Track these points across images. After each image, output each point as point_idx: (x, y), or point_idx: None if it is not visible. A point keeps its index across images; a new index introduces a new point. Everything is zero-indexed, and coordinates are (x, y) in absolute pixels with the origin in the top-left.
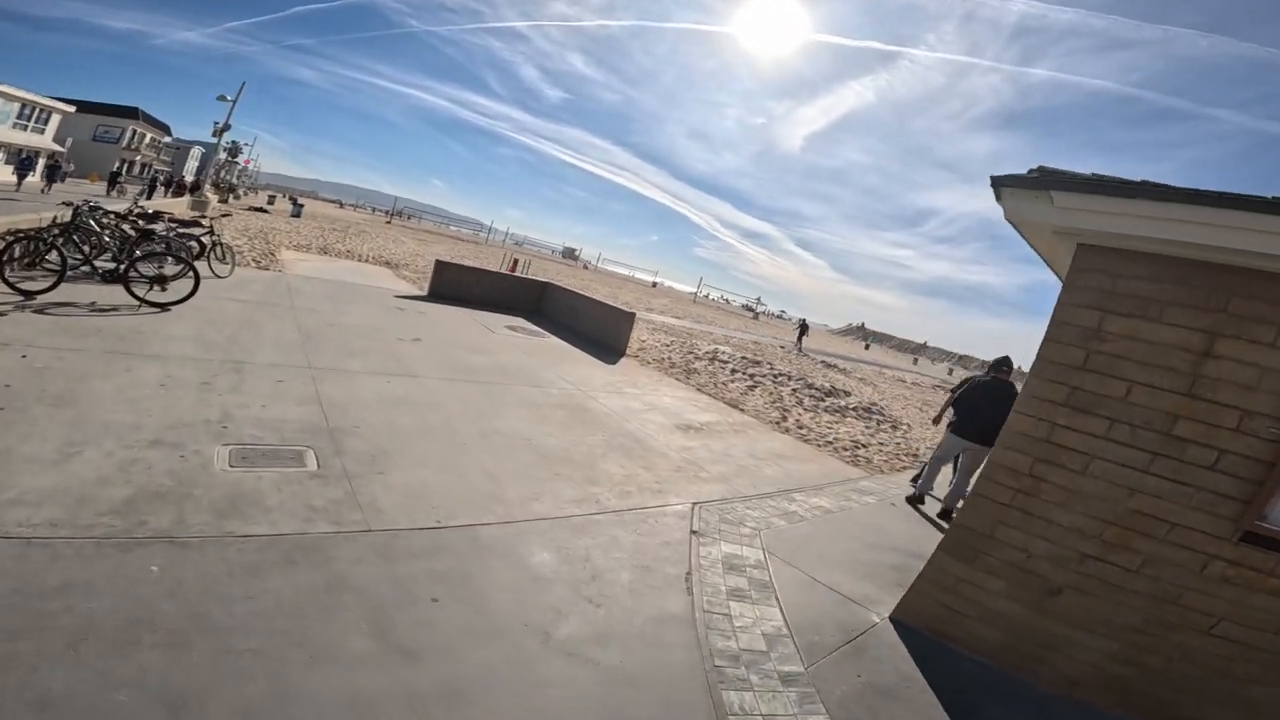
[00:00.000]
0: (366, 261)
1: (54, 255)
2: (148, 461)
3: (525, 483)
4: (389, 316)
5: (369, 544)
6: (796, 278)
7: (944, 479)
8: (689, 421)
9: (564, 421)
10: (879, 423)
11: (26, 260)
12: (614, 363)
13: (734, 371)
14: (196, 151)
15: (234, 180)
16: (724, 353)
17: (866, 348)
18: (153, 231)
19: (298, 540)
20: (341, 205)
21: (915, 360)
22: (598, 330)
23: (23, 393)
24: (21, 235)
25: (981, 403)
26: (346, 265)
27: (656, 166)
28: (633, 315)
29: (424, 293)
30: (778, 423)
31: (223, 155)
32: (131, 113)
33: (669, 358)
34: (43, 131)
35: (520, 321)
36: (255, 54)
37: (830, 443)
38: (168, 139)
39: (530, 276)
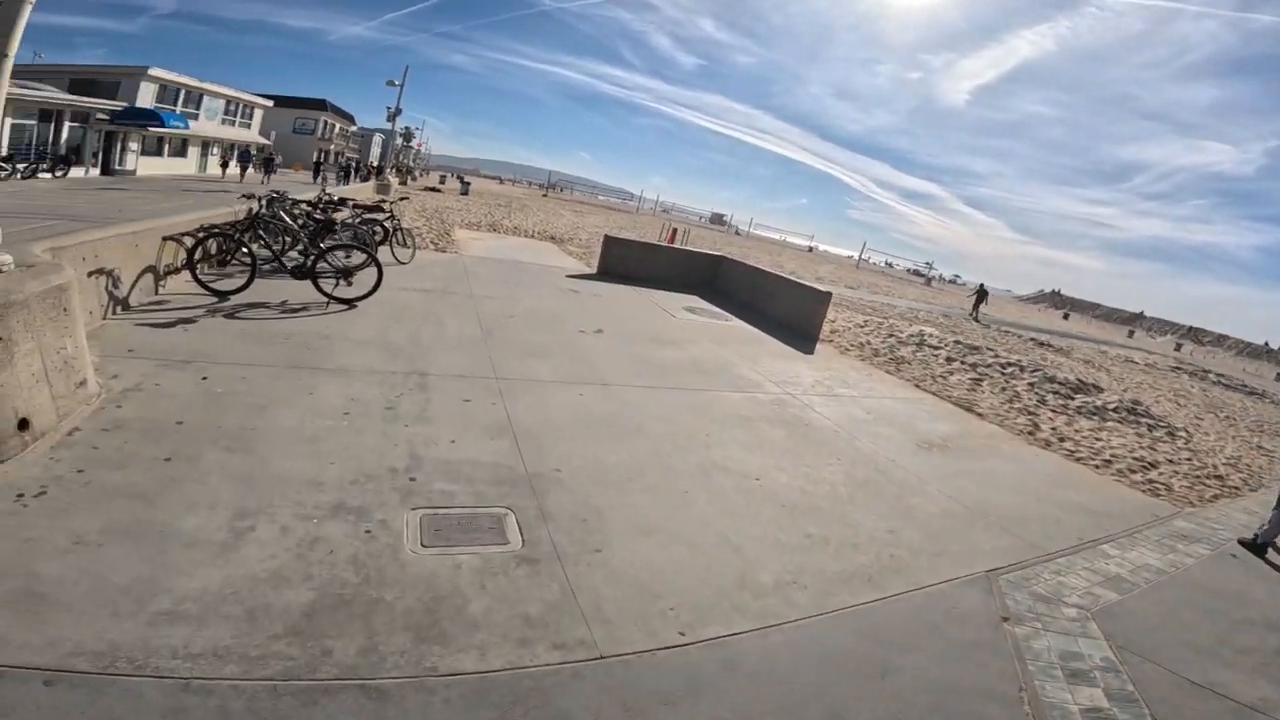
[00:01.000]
0: (532, 237)
1: (245, 251)
2: (329, 542)
3: (773, 553)
4: (564, 301)
5: (602, 683)
6: (966, 239)
7: None
8: (926, 435)
9: (787, 444)
10: (1149, 428)
11: (219, 258)
12: (810, 351)
13: (950, 360)
14: (378, 138)
15: (410, 163)
16: (931, 336)
17: (1065, 317)
18: (336, 221)
19: (513, 683)
20: (501, 181)
21: (1130, 333)
22: (786, 312)
23: (196, 432)
24: (215, 230)
25: None
26: (515, 242)
27: (802, 128)
28: (828, 296)
29: (593, 270)
30: (1030, 433)
31: (399, 140)
32: (320, 104)
33: (868, 342)
34: (249, 126)
35: (697, 301)
36: (412, 43)
37: (1108, 462)
38: (353, 128)
39: (693, 248)
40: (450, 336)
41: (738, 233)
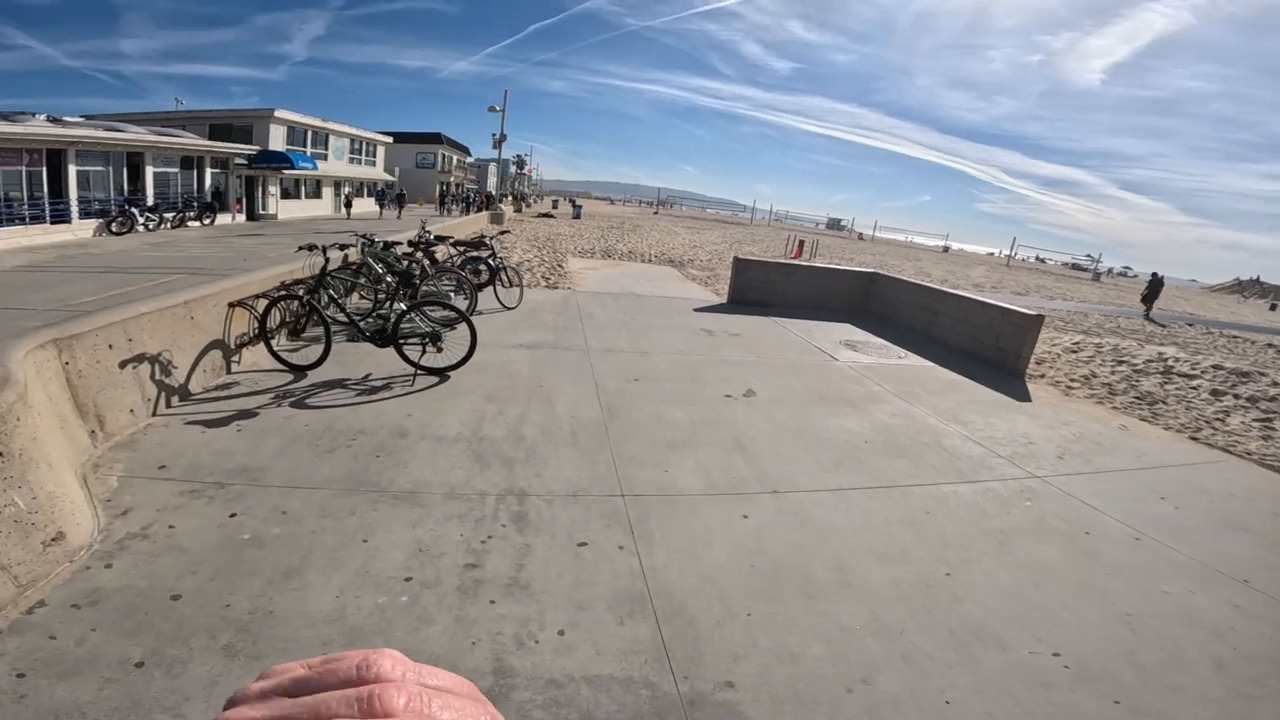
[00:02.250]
0: (649, 261)
1: (318, 317)
2: None
3: None
4: (699, 346)
5: None
6: (1127, 225)
7: None
8: (1261, 528)
9: (1079, 575)
10: None
11: (292, 324)
12: (1024, 395)
13: (1218, 395)
14: (493, 167)
15: (525, 190)
16: (1177, 360)
17: (1273, 308)
18: (416, 273)
19: None
20: (612, 202)
21: None
22: (973, 341)
23: (193, 615)
24: (290, 290)
25: None
26: (631, 270)
27: (915, 123)
28: (1039, 320)
29: (722, 299)
30: None
31: (513, 168)
32: (436, 138)
33: (1094, 374)
34: (374, 163)
35: (854, 332)
36: (513, 73)
37: None
38: (470, 159)
39: (834, 265)
40: (562, 422)
41: (861, 237)
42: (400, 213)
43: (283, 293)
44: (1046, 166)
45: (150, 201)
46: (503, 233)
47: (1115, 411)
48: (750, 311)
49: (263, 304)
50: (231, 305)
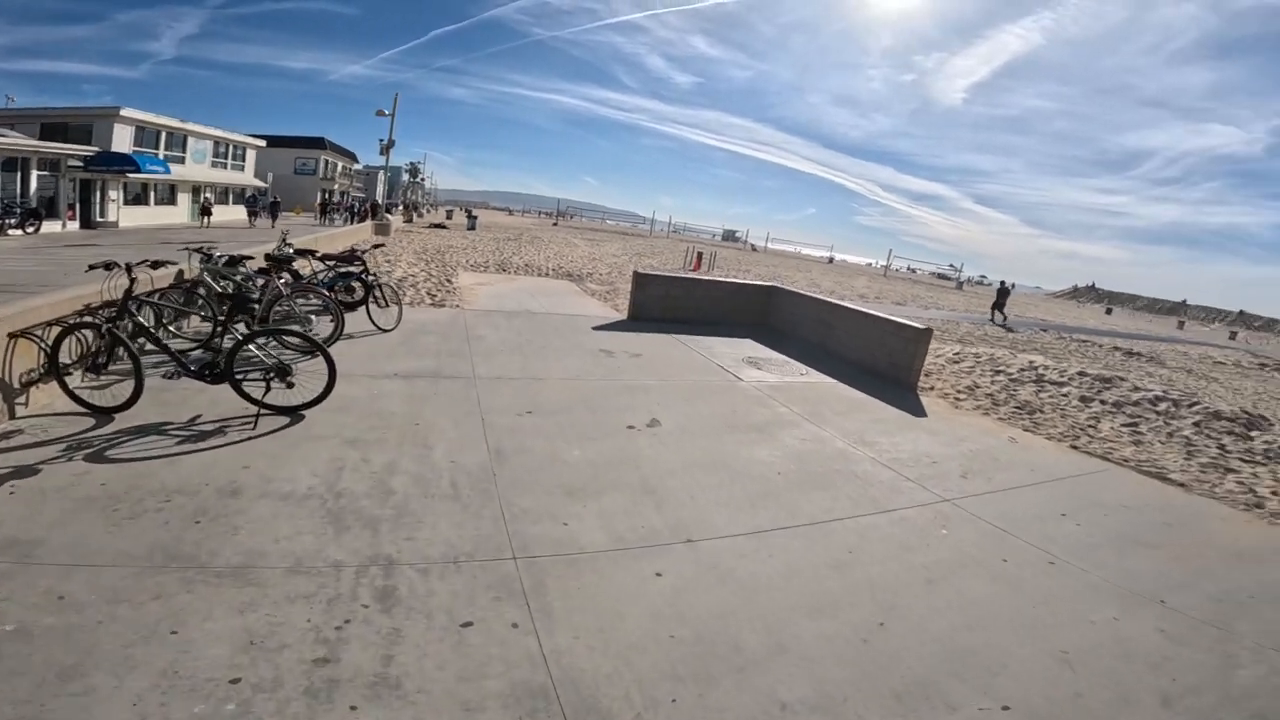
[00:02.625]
0: (547, 275)
1: (125, 349)
2: None
3: None
4: (598, 370)
5: None
6: (981, 237)
7: None
8: (1148, 537)
9: (1022, 612)
10: None
11: (94, 358)
12: (919, 410)
13: (1086, 401)
14: (383, 175)
15: (418, 199)
16: (1047, 368)
17: (1109, 312)
18: (252, 298)
19: None
20: (510, 212)
21: (1180, 324)
22: (868, 355)
23: None
24: (80, 321)
25: None
26: (528, 284)
27: (804, 138)
28: (928, 334)
29: (623, 316)
30: (1257, 505)
31: (405, 176)
32: (319, 143)
33: (976, 385)
34: (242, 168)
35: (755, 348)
36: (411, 79)
37: None
38: (357, 166)
39: (737, 279)
40: (441, 470)
41: (754, 249)
42: (274, 222)
43: (82, 320)
44: (915, 181)
45: None
46: (377, 246)
47: (1002, 423)
48: (651, 328)
49: (55, 333)
50: (12, 336)
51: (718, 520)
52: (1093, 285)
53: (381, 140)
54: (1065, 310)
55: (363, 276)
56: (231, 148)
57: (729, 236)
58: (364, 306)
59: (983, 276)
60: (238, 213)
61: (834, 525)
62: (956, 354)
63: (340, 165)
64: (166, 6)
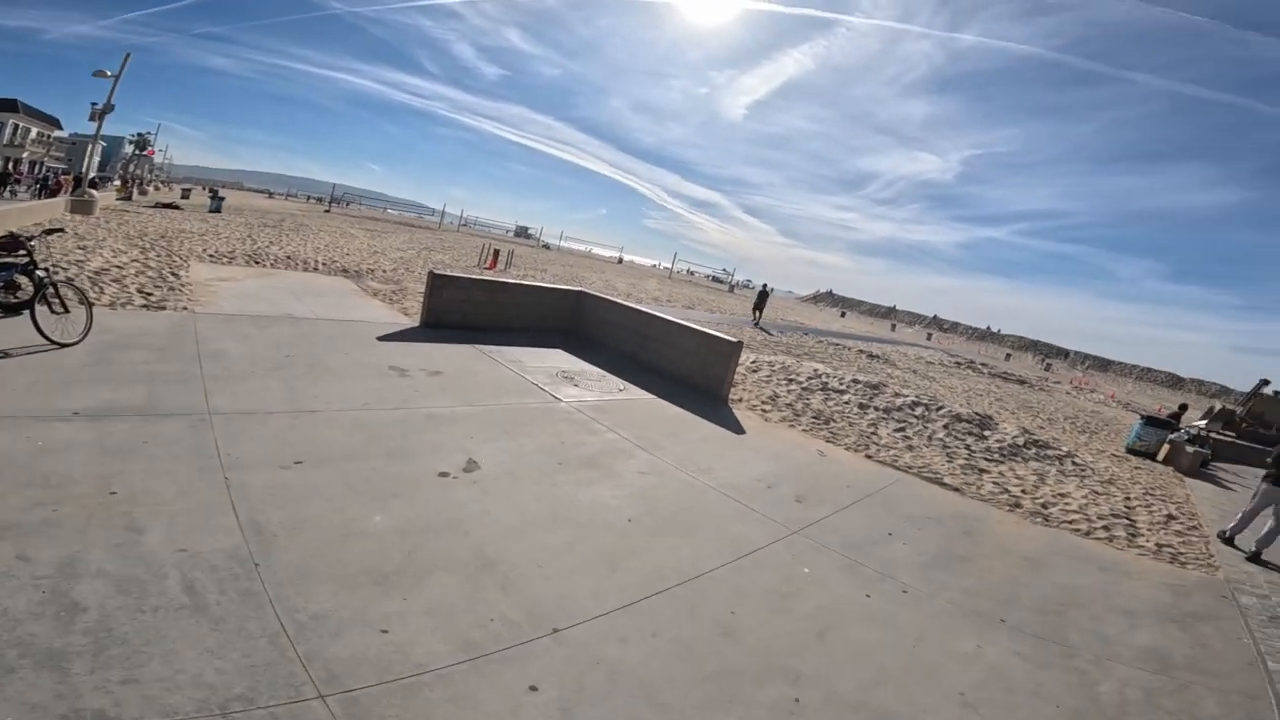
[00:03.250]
0: (316, 270)
1: None
2: None
3: None
4: (392, 395)
5: None
6: (746, 243)
7: None
8: (962, 550)
9: (931, 696)
10: (1058, 461)
11: None
12: (737, 426)
13: (864, 408)
14: (94, 145)
15: (144, 174)
16: (829, 376)
17: (843, 315)
18: None
19: None
20: (271, 195)
21: (893, 326)
22: (682, 366)
23: None
24: None
25: None
26: (291, 281)
27: (602, 140)
28: (738, 347)
29: (415, 321)
30: (1014, 506)
31: (129, 148)
32: (10, 105)
33: (777, 395)
34: None
35: (567, 360)
36: (160, 44)
37: (1106, 527)
38: (59, 133)
39: (543, 284)
40: (164, 566)
41: (547, 247)
42: None
43: None
44: (697, 189)
45: None
46: (51, 231)
47: (806, 435)
48: (450, 338)
49: None
50: None
51: (580, 594)
52: (830, 291)
53: (95, 104)
54: (811, 314)
55: (28, 269)
56: None
57: (522, 233)
58: (29, 311)
59: (748, 281)
60: None
61: (705, 582)
62: (754, 363)
63: (35, 131)
64: None
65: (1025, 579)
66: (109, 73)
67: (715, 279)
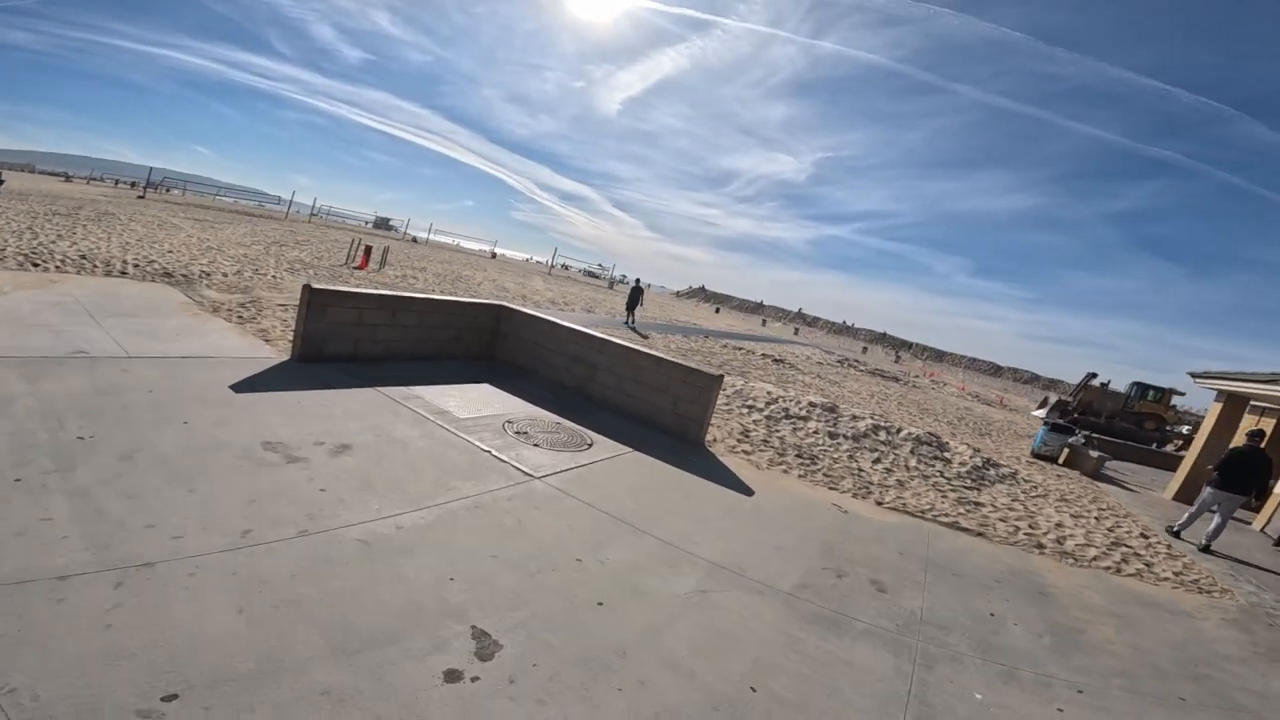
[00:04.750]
0: (125, 273)
1: None
2: None
3: None
4: (288, 509)
5: None
6: (614, 237)
7: None
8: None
9: None
10: (1014, 481)
11: None
12: (738, 484)
13: (834, 438)
14: None
15: None
16: (789, 401)
17: (718, 311)
18: None
19: None
20: (68, 178)
21: (764, 321)
22: (644, 404)
23: None
24: None
25: (1241, 467)
26: (85, 290)
27: (471, 130)
28: (718, 380)
29: (283, 354)
30: (1038, 547)
31: None
32: None
33: (745, 429)
34: None
35: (504, 400)
36: None
37: (1121, 561)
38: None
39: (456, 297)
40: None
41: (415, 240)
42: None
43: None
44: (567, 182)
45: None
46: None
47: (808, 483)
48: (341, 378)
49: None
50: None
51: None
52: (703, 287)
53: None
54: (689, 310)
55: None
56: None
57: (382, 224)
58: None
59: (624, 276)
60: None
61: None
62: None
63: None
64: None
65: (1138, 642)
66: None
67: (590, 274)
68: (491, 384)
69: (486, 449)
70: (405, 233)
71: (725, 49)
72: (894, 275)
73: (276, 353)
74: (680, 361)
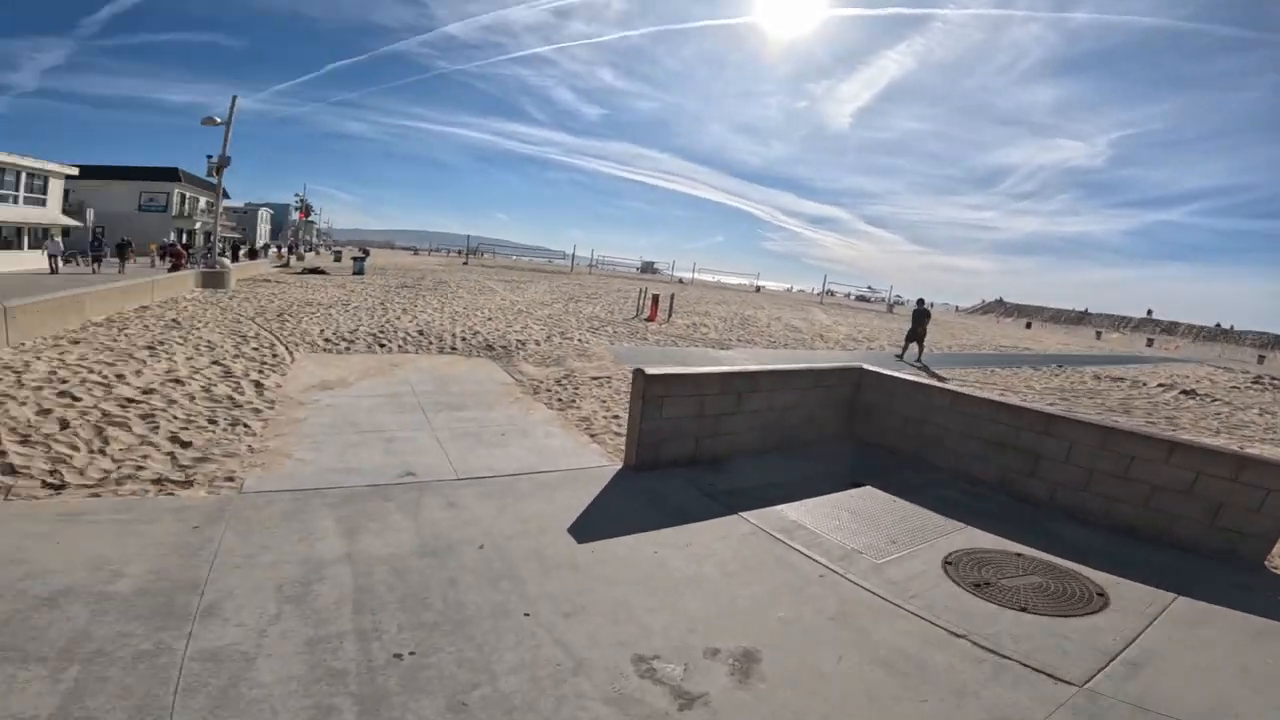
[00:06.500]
0: (454, 350)
1: None
2: None
3: None
4: None
5: None
6: (873, 256)
7: None
8: None
9: None
10: None
11: None
12: None
13: None
14: (264, 214)
15: (312, 239)
16: None
17: (1028, 326)
18: None
19: None
20: (416, 252)
21: (1098, 334)
22: (1142, 508)
23: None
24: None
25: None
26: (420, 375)
27: (708, 167)
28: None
29: (613, 459)
30: None
31: (295, 215)
32: (171, 174)
33: None
34: (42, 203)
35: (903, 514)
36: (306, 114)
37: None
38: (229, 201)
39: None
40: None
41: (681, 281)
42: (122, 266)
43: None
44: (812, 205)
45: None
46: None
47: None
48: (693, 498)
49: None
50: None
51: None
52: (1000, 300)
53: (211, 158)
54: (989, 328)
55: None
56: (24, 176)
57: (647, 268)
58: None
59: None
60: (33, 258)
61: None
62: None
63: (203, 201)
64: (30, 38)
65: None
66: (218, 119)
67: (860, 298)
68: (874, 485)
69: (954, 630)
70: (672, 274)
71: (952, 41)
72: (1261, 258)
73: (606, 455)
74: (1199, 442)
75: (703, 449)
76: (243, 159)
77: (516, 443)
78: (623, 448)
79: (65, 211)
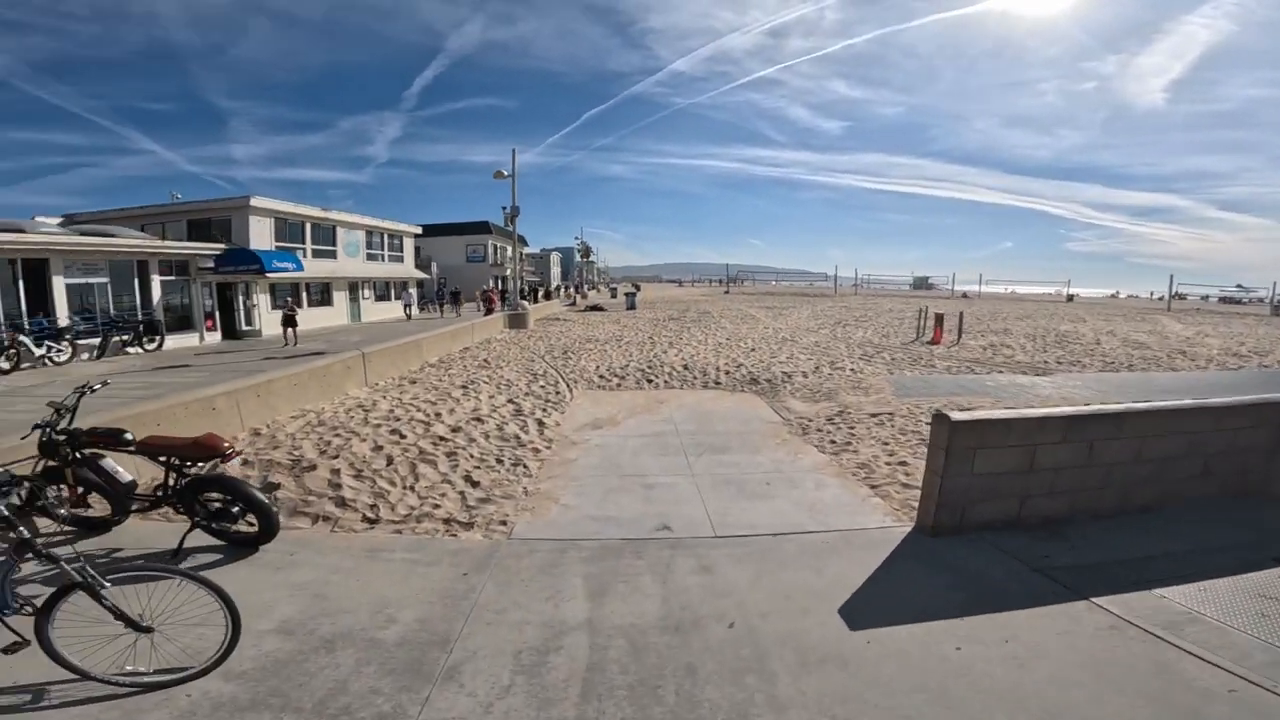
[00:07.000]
0: (717, 384)
1: None
2: None
3: None
4: None
5: None
6: (1229, 248)
7: None
8: None
9: None
10: None
11: None
12: None
13: None
14: (555, 257)
15: (594, 278)
16: None
17: None
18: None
19: None
20: (680, 284)
21: None
22: None
23: None
24: None
25: None
26: (682, 413)
27: (979, 167)
28: None
29: (904, 521)
30: None
31: (578, 257)
32: (484, 228)
33: None
34: (401, 259)
35: None
36: (575, 162)
37: None
38: (527, 249)
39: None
40: None
41: (965, 295)
42: (457, 310)
43: None
44: (1134, 195)
45: (63, 322)
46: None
47: None
48: (1015, 572)
49: None
50: None
51: None
52: None
53: (504, 208)
54: None
55: (228, 501)
56: (386, 238)
57: (921, 284)
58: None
59: None
60: (393, 308)
61: None
62: None
63: (509, 249)
64: (373, 112)
65: None
66: (505, 173)
67: (1229, 299)
68: None
69: None
70: (951, 289)
71: None
72: None
73: (892, 512)
74: None
75: (1029, 509)
76: (531, 209)
77: (782, 493)
78: (912, 503)
79: (416, 266)
